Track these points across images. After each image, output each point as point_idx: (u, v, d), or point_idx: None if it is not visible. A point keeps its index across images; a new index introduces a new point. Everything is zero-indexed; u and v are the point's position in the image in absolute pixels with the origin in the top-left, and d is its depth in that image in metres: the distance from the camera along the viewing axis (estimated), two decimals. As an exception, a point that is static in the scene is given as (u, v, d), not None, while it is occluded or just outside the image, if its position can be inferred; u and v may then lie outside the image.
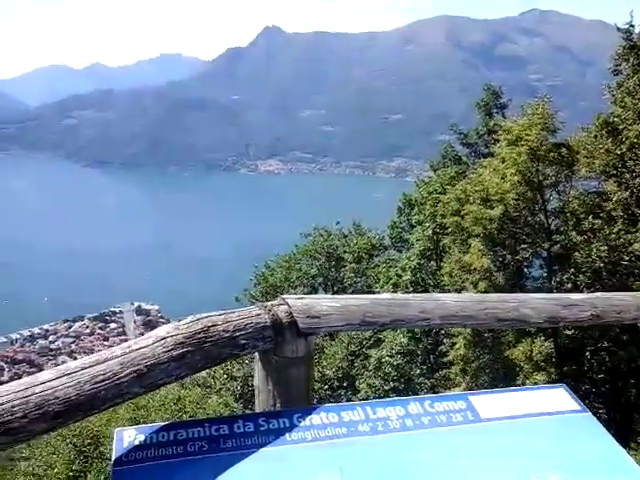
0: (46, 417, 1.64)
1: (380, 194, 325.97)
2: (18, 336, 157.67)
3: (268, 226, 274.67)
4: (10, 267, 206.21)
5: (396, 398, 2.17)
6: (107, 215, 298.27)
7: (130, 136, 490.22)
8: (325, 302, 2.23)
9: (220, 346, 1.96)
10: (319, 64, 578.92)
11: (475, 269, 13.43)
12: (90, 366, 1.80)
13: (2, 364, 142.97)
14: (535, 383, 11.98)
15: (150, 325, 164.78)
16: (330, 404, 2.04)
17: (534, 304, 2.48)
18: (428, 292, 14.95)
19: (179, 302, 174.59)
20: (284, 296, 2.22)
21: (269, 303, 2.18)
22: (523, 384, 12.17)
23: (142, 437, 1.83)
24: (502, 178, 13.71)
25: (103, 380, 1.77)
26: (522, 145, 13.61)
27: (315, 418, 1.92)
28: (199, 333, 1.95)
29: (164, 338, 1.97)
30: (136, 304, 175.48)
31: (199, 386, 14.02)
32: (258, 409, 2.23)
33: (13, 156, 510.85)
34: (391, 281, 14.45)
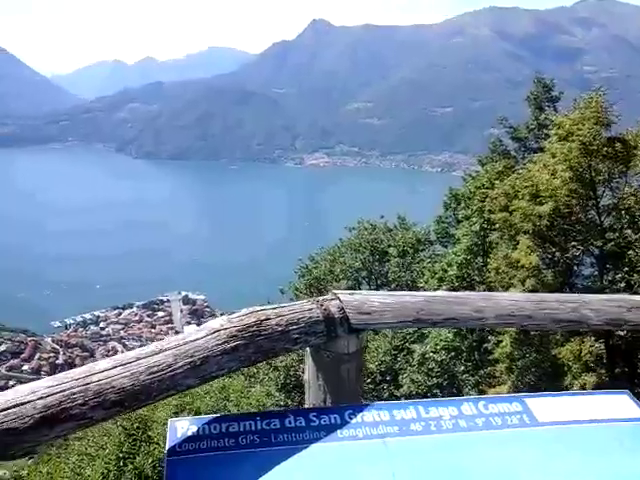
0: (104, 405, 1.68)
1: (425, 188, 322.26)
2: (72, 321, 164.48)
3: (313, 219, 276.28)
4: (65, 254, 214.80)
5: (449, 398, 2.13)
6: (156, 206, 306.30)
7: (179, 129, 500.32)
8: (377, 298, 2.20)
9: (273, 340, 1.96)
10: (367, 57, 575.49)
11: (523, 266, 13.07)
12: (146, 357, 1.83)
13: (57, 347, 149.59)
14: (584, 384, 11.60)
15: (196, 314, 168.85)
16: (381, 402, 2.02)
17: (596, 305, 2.36)
18: (474, 288, 14.69)
19: (225, 293, 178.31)
20: (336, 291, 2.19)
21: (321, 298, 2.16)
22: (571, 385, 11.81)
23: (195, 428, 1.86)
24: (552, 174, 13.26)
25: (158, 371, 1.80)
26: (574, 140, 13.11)
27: (367, 415, 1.91)
28: (252, 326, 1.96)
29: (217, 331, 1.99)
30: (183, 293, 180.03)
31: (242, 375, 14.21)
32: (308, 404, 2.23)
33: (69, 148, 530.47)
34: (436, 276, 14.23)
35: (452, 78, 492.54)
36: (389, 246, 16.43)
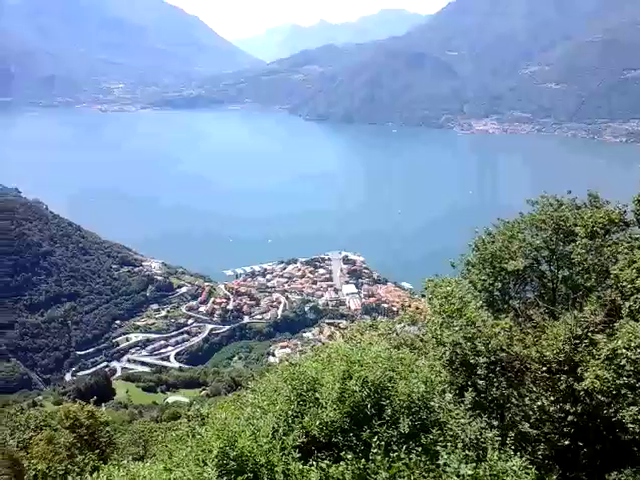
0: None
1: (607, 160, 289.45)
2: (242, 271, 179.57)
3: (479, 188, 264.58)
4: (240, 210, 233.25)
5: None
6: (321, 168, 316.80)
7: (349, 91, 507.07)
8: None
9: None
10: (549, 17, 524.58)
11: None
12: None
13: (228, 294, 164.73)
14: None
15: (355, 274, 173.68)
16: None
17: None
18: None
19: (383, 256, 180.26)
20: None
21: None
22: None
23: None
24: None
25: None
26: None
27: None
28: None
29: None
30: (344, 253, 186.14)
31: (407, 346, 13.94)
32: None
33: (246, 109, 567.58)
34: (635, 265, 12.40)
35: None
36: (575, 225, 14.75)
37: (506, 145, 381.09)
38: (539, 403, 11.91)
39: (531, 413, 11.69)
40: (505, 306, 15.81)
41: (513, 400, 11.71)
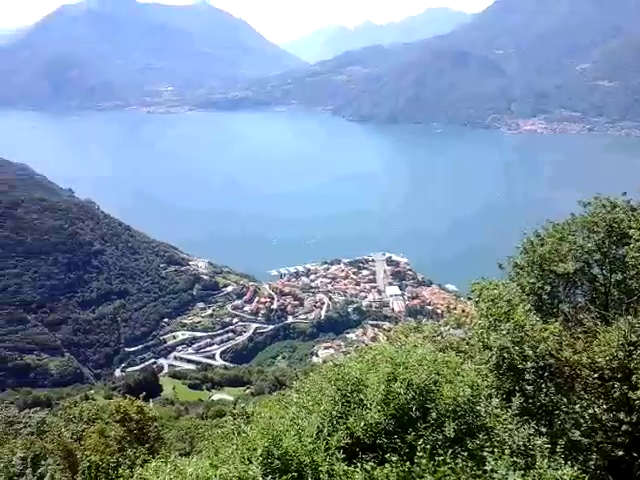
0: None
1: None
2: (286, 272, 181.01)
3: (532, 190, 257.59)
4: (282, 212, 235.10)
5: None
6: (364, 169, 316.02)
7: (394, 91, 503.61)
8: None
9: None
10: (596, 13, 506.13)
11: None
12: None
13: (273, 294, 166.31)
14: None
15: (398, 276, 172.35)
16: None
17: None
18: None
19: (427, 257, 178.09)
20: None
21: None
22: None
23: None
24: None
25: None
26: None
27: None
28: None
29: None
30: (387, 255, 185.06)
31: (452, 350, 13.77)
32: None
33: (291, 110, 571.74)
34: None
35: None
36: (630, 227, 14.22)
37: (555, 145, 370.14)
38: (590, 411, 11.56)
39: (582, 421, 11.36)
40: (554, 310, 15.41)
41: (563, 407, 11.40)
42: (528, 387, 11.01)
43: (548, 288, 15.24)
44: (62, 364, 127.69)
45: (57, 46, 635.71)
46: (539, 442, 8.24)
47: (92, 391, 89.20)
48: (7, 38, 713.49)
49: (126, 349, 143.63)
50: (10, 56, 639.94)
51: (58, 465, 14.94)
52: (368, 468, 7.29)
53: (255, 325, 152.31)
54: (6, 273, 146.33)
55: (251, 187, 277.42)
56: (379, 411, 8.23)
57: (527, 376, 11.02)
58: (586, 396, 11.99)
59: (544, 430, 9.10)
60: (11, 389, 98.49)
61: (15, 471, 13.47)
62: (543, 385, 11.14)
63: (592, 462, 11.15)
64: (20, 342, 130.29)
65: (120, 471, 11.52)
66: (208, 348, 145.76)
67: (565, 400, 11.44)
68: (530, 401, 10.92)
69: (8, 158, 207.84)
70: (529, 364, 11.02)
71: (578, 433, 11.04)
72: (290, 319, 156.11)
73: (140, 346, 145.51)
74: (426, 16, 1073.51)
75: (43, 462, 14.62)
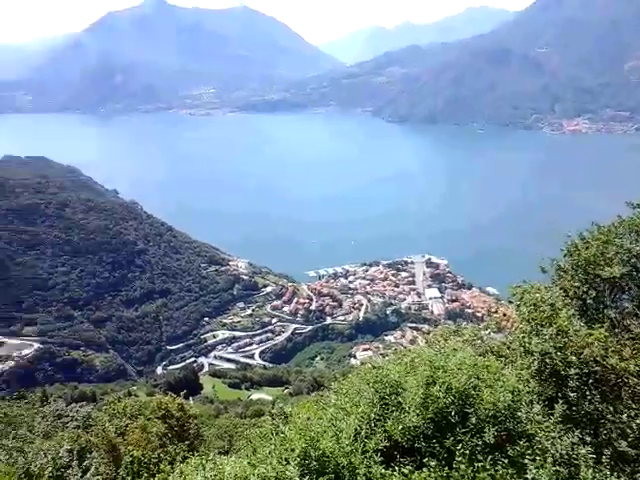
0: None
1: None
2: (324, 273, 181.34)
3: (576, 192, 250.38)
4: (321, 215, 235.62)
5: None
6: (403, 170, 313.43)
7: (432, 91, 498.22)
8: None
9: None
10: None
11: None
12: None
13: (311, 295, 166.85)
14: None
15: (438, 278, 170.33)
16: None
17: None
18: None
19: (467, 259, 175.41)
20: None
21: None
22: None
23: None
24: None
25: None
26: None
27: None
28: None
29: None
30: (427, 257, 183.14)
31: (492, 354, 13.52)
32: None
33: (329, 112, 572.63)
34: None
35: None
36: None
37: (600, 145, 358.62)
38: (638, 421, 11.17)
39: (629, 431, 10.97)
40: (599, 315, 14.90)
41: (609, 416, 11.04)
42: (571, 394, 10.71)
43: (593, 293, 14.75)
44: (107, 360, 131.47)
45: (103, 51, 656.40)
46: (583, 451, 8.02)
47: (135, 387, 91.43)
48: (57, 44, 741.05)
49: (167, 347, 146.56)
50: (60, 62, 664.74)
51: (102, 459, 15.37)
52: (406, 472, 7.23)
53: (294, 325, 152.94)
54: (55, 271, 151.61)
55: (289, 190, 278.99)
56: (417, 415, 8.16)
57: (571, 383, 10.73)
58: (634, 405, 11.58)
59: (589, 439, 8.86)
60: (59, 383, 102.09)
61: (62, 463, 13.93)
62: (587, 393, 10.81)
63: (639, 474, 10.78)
64: (68, 338, 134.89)
65: (161, 466, 11.79)
66: (247, 348, 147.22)
67: (611, 409, 11.08)
68: (574, 409, 10.61)
69: (59, 160, 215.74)
70: (572, 370, 10.72)
71: (625, 443, 10.66)
72: (328, 320, 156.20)
73: (181, 344, 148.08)
74: (466, 15, 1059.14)
75: (88, 455, 15.07)
